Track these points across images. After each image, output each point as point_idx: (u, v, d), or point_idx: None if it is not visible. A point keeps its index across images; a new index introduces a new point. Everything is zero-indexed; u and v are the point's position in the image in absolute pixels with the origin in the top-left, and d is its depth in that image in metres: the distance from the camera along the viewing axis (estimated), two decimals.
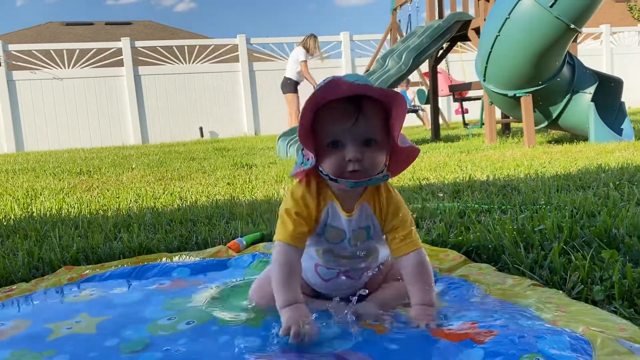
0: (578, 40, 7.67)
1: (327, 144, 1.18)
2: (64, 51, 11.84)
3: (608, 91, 5.58)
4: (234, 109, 12.76)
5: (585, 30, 13.53)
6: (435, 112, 8.00)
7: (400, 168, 1.30)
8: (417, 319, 1.20)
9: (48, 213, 2.88)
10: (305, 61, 8.36)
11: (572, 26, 4.79)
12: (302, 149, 1.25)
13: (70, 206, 3.08)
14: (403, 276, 1.28)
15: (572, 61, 5.51)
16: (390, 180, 1.28)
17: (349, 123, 1.15)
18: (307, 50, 8.43)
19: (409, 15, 9.44)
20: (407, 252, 1.26)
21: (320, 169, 1.22)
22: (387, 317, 1.25)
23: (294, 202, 1.24)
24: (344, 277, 1.30)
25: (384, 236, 1.30)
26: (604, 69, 13.66)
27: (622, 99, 5.69)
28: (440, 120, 9.80)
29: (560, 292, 1.34)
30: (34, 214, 2.86)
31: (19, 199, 3.49)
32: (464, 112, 8.67)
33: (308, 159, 1.21)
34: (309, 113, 1.16)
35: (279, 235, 1.24)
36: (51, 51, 11.95)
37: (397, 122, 1.18)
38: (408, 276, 1.26)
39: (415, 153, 1.26)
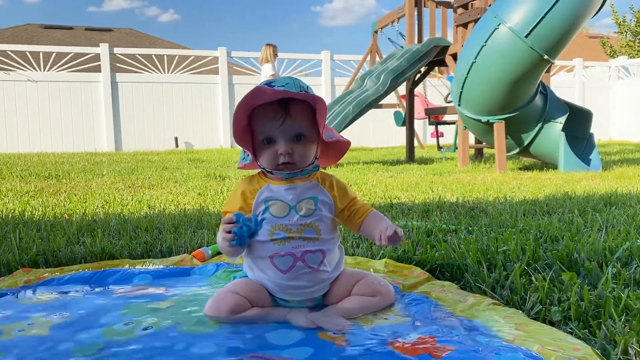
0: (552, 72, 7.89)
1: (261, 140, 1.33)
2: (40, 54, 11.64)
3: (578, 122, 5.73)
4: (211, 121, 12.68)
5: (558, 62, 13.93)
6: (411, 134, 8.09)
7: (335, 158, 1.46)
8: (382, 233, 1.32)
9: (10, 214, 2.81)
10: (274, 74, 8.83)
11: (546, 57, 4.92)
12: None
13: (35, 208, 3.01)
14: (365, 229, 1.41)
15: (545, 91, 5.66)
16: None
17: (278, 122, 1.30)
18: (271, 61, 8.68)
19: (389, 38, 9.54)
20: (365, 214, 1.42)
21: (259, 163, 1.37)
22: (348, 327, 1.25)
23: (229, 200, 1.40)
24: (301, 263, 1.32)
25: (338, 215, 1.41)
26: (575, 101, 14.01)
27: (592, 131, 5.85)
28: (416, 143, 9.90)
29: (520, 311, 1.35)
30: None
31: None
32: (438, 135, 8.78)
33: (248, 155, 1.38)
34: (241, 117, 1.30)
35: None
36: (27, 53, 11.75)
37: (321, 118, 1.32)
38: (369, 224, 1.40)
39: (346, 145, 1.42)
